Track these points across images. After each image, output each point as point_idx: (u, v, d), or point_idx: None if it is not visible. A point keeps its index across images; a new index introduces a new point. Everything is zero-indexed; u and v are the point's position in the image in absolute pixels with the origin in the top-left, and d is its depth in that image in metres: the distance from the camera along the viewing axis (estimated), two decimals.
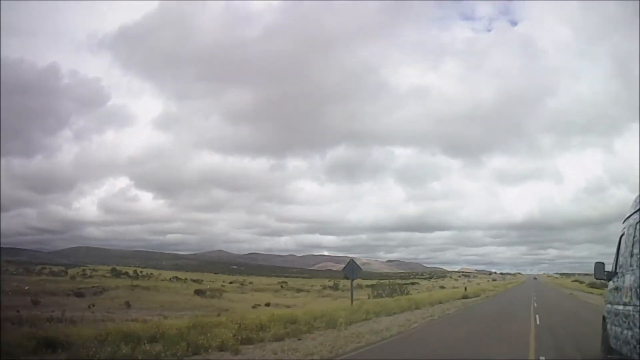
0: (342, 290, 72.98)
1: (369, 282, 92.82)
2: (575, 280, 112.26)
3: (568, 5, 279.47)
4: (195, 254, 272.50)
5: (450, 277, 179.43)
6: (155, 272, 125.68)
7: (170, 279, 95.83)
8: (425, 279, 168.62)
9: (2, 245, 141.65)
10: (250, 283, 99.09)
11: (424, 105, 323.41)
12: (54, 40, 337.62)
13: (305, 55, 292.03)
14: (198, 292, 52.99)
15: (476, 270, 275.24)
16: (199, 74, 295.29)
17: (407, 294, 42.93)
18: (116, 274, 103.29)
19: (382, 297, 38.29)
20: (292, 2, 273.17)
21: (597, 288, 59.57)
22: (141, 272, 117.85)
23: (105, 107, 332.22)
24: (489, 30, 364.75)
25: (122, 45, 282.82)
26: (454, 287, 76.84)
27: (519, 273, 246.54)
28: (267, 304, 42.56)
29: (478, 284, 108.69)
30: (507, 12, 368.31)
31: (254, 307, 38.10)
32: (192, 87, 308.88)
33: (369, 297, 38.41)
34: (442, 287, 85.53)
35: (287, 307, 35.53)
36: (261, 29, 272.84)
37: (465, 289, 56.05)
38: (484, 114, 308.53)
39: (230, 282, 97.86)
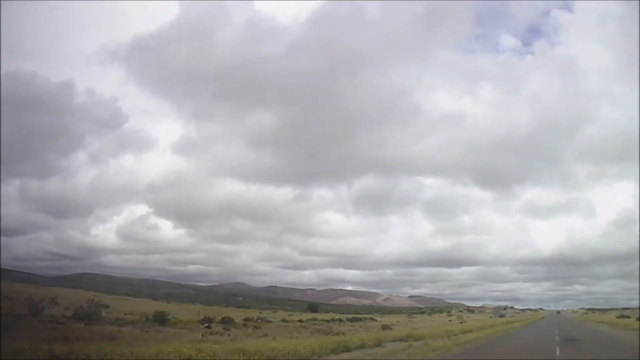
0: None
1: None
2: (622, 316, 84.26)
3: (608, 26, 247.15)
4: (212, 286, 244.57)
5: (448, 313, 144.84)
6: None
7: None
8: (418, 314, 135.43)
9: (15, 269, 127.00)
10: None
11: (457, 132, 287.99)
12: (69, 54, 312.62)
13: (333, 74, 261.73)
14: None
15: (501, 306, 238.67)
16: (219, 92, 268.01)
17: None
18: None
19: None
20: (319, 17, 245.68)
21: None
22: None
23: (122, 129, 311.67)
24: (529, 53, 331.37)
25: (136, 58, 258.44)
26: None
27: (540, 309, 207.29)
28: None
29: (450, 321, 77.60)
30: (547, 33, 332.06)
31: None
32: (212, 108, 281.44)
33: None
34: (387, 327, 54.56)
35: None
36: (286, 45, 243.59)
37: None
38: (519, 142, 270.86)
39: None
